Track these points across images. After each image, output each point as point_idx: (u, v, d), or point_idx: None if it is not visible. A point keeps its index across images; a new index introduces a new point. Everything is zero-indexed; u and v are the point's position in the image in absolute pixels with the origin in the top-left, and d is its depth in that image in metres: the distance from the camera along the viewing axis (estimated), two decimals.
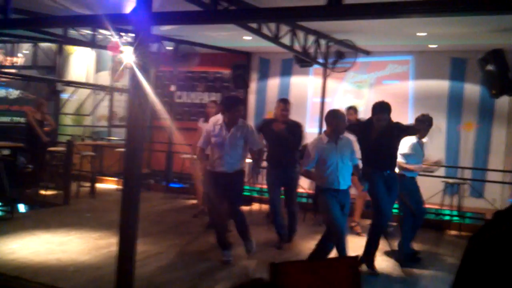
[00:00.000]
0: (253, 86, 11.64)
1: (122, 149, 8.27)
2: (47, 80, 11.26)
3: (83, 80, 12.03)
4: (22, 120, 11.67)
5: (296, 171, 6.03)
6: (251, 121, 11.46)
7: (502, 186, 8.70)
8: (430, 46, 9.48)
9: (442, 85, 9.91)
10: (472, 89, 9.63)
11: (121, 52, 8.74)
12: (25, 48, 12.20)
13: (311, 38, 8.46)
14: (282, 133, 6.00)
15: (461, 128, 9.79)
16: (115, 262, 3.82)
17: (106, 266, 4.84)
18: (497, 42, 7.71)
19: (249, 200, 8.26)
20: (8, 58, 12.32)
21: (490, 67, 6.42)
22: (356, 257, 2.46)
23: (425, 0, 3.70)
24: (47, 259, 5.07)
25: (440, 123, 9.77)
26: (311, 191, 7.99)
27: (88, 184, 9.08)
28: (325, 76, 9.03)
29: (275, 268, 2.29)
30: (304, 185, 8.50)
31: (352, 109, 7.07)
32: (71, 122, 12.37)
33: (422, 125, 5.82)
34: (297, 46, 8.15)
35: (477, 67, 6.86)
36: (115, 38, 8.62)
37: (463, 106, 9.78)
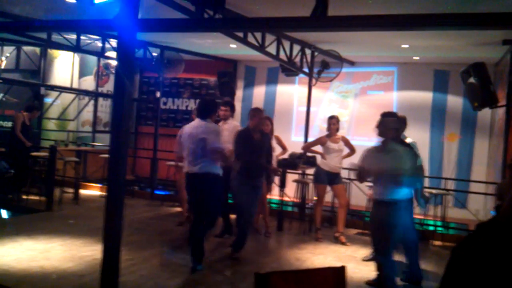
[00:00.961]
0: (239, 93, 11.68)
1: (106, 155, 8.22)
2: (31, 84, 11.15)
3: (67, 84, 11.93)
4: (3, 124, 11.52)
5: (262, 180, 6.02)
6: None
7: (485, 197, 8.84)
8: (414, 58, 9.63)
9: (425, 96, 10.08)
10: (455, 101, 9.80)
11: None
12: (8, 51, 12.06)
13: (297, 48, 8.54)
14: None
15: (445, 139, 9.94)
16: (99, 269, 3.79)
17: (89, 274, 4.80)
18: (479, 55, 7.89)
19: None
20: None
21: (472, 80, 6.54)
22: (342, 267, 2.48)
23: (408, 14, 3.77)
24: (30, 266, 5.00)
25: (423, 133, 9.93)
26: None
27: (71, 190, 8.98)
28: (310, 86, 9.10)
29: (261, 278, 2.30)
30: (290, 193, 8.53)
31: (334, 119, 7.10)
32: (55, 127, 12.24)
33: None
34: (282, 55, 8.22)
35: (460, 79, 6.99)
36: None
37: (446, 117, 9.95)
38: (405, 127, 6.01)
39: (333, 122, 7.06)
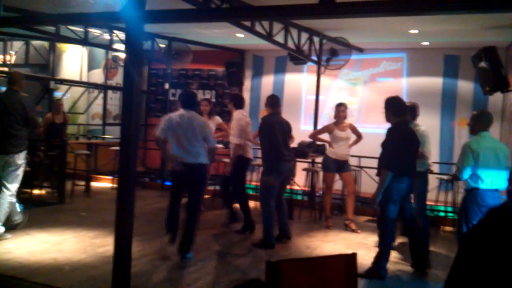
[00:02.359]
0: (247, 83, 11.65)
1: (117, 148, 8.26)
2: (40, 78, 11.20)
3: (76, 78, 11.98)
4: None
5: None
6: None
7: None
8: (423, 43, 9.53)
9: (435, 82, 9.98)
10: (466, 86, 9.69)
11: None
12: (17, 46, 12.12)
13: (305, 36, 8.48)
14: None
15: (455, 124, 9.85)
16: (112, 261, 3.83)
17: (102, 265, 4.84)
18: (490, 39, 7.77)
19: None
20: (0, 56, 12.23)
21: (483, 64, 6.46)
22: (353, 254, 2.48)
23: None
24: (43, 258, 5.06)
25: (434, 119, 9.85)
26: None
27: (83, 183, 9.05)
28: (319, 74, 9.04)
29: (272, 266, 2.31)
30: (300, 182, 8.54)
31: (343, 106, 7.06)
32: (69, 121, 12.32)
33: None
34: (290, 44, 8.17)
35: (470, 64, 6.90)
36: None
37: (457, 102, 9.85)
38: (415, 115, 5.95)
39: (341, 109, 7.03)
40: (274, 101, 6.14)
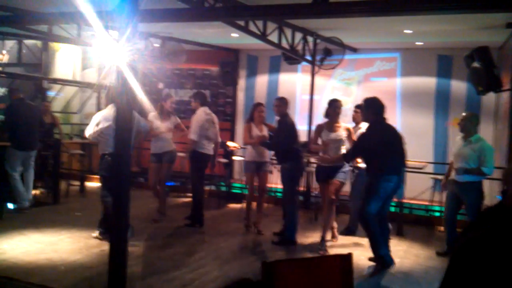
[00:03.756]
0: (242, 83, 11.64)
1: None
2: (33, 77, 11.14)
3: (69, 77, 11.93)
4: None
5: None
6: (240, 119, 11.50)
7: (490, 182, 8.81)
8: (417, 43, 9.56)
9: (429, 82, 10.02)
10: (459, 86, 9.74)
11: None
12: (10, 45, 12.03)
13: (299, 35, 8.49)
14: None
15: (449, 124, 9.90)
16: (107, 261, 3.82)
17: (97, 266, 4.84)
18: (483, 39, 7.81)
19: None
20: None
21: (476, 64, 6.50)
22: (348, 255, 2.49)
23: None
24: (38, 259, 5.05)
25: (428, 119, 9.90)
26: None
27: (77, 183, 9.02)
28: (313, 73, 9.06)
29: (267, 266, 2.32)
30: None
31: (339, 102, 6.84)
32: (59, 120, 12.26)
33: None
34: (284, 44, 8.18)
35: (464, 64, 6.94)
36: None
37: (450, 102, 9.89)
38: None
39: (338, 105, 6.09)
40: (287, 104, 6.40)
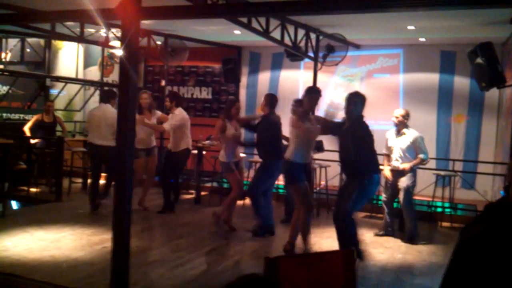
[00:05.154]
0: (244, 80, 11.63)
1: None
2: (36, 75, 11.16)
3: (72, 75, 11.94)
4: (10, 116, 11.56)
5: None
6: (242, 115, 11.48)
7: (493, 178, 8.81)
8: (420, 39, 9.54)
9: (432, 78, 9.99)
10: (462, 82, 9.72)
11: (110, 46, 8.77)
12: (13, 44, 12.06)
13: (301, 32, 8.47)
14: None
15: (452, 120, 9.88)
16: (110, 258, 3.83)
17: (100, 262, 4.84)
18: (486, 35, 7.79)
19: None
20: None
21: (479, 60, 6.47)
22: (350, 250, 2.49)
23: None
24: (41, 256, 5.06)
25: (431, 115, 9.88)
26: None
27: (80, 180, 9.03)
28: (315, 70, 9.04)
29: (271, 262, 2.32)
30: None
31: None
32: (62, 118, 12.28)
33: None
34: (287, 40, 8.16)
35: (467, 60, 6.91)
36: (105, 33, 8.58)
37: (453, 98, 9.87)
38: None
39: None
40: (275, 102, 6.30)
